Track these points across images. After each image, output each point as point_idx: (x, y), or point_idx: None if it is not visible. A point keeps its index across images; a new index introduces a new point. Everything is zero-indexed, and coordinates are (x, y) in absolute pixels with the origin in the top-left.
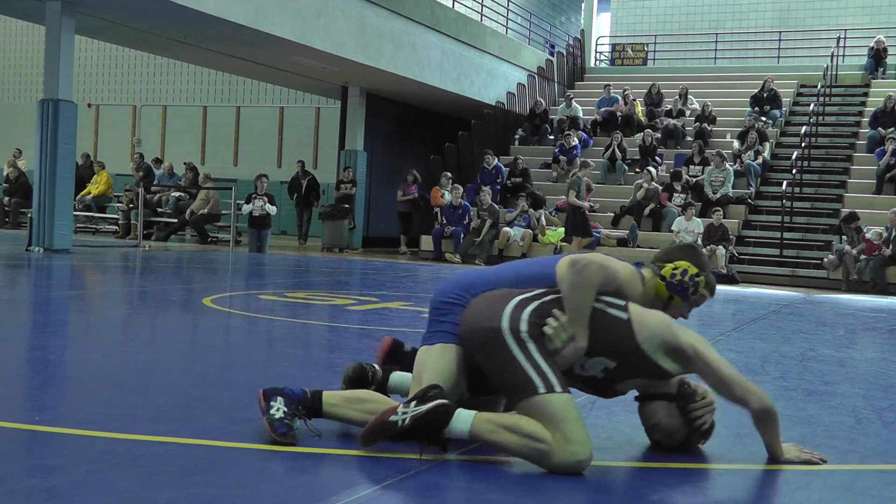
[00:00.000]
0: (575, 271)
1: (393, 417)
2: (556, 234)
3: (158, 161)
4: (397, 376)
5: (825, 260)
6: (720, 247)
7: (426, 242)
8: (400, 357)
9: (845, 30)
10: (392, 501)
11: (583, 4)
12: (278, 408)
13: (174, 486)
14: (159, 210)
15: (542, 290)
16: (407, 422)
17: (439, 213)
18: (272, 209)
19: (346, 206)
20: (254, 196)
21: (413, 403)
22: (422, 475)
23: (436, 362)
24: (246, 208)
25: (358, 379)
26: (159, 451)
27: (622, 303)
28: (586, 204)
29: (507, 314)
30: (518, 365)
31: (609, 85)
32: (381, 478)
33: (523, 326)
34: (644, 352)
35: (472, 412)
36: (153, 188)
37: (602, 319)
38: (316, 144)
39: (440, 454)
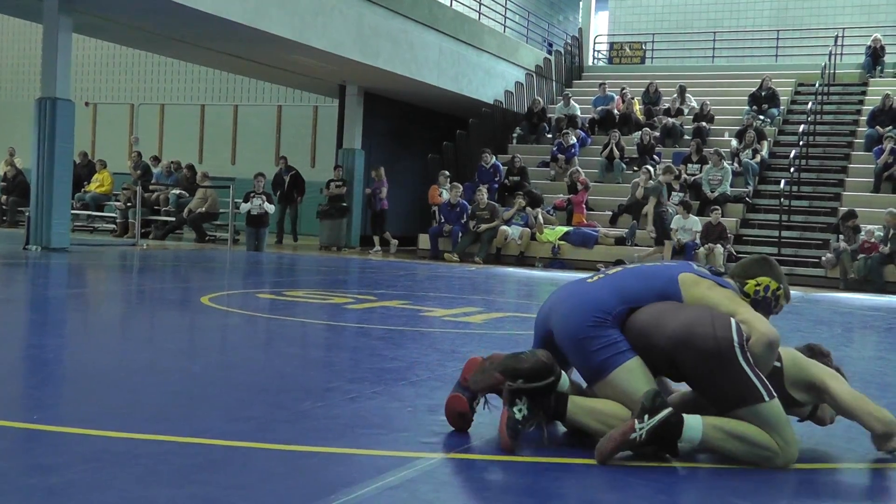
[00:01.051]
0: (769, 350)
1: (632, 435)
2: (554, 232)
3: (156, 160)
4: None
5: (823, 258)
6: (718, 245)
7: (423, 241)
8: None
9: (843, 28)
10: (390, 500)
11: (581, 3)
12: (521, 409)
13: (173, 485)
14: (157, 208)
15: None
16: (644, 437)
17: (437, 212)
18: (270, 208)
19: (344, 204)
20: (252, 195)
21: (646, 417)
22: (420, 473)
23: (636, 380)
24: (244, 207)
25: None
26: (158, 450)
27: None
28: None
29: (735, 330)
30: (746, 376)
31: (604, 84)
32: (380, 476)
33: (745, 340)
34: (785, 390)
35: (699, 418)
36: (151, 187)
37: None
38: (314, 143)
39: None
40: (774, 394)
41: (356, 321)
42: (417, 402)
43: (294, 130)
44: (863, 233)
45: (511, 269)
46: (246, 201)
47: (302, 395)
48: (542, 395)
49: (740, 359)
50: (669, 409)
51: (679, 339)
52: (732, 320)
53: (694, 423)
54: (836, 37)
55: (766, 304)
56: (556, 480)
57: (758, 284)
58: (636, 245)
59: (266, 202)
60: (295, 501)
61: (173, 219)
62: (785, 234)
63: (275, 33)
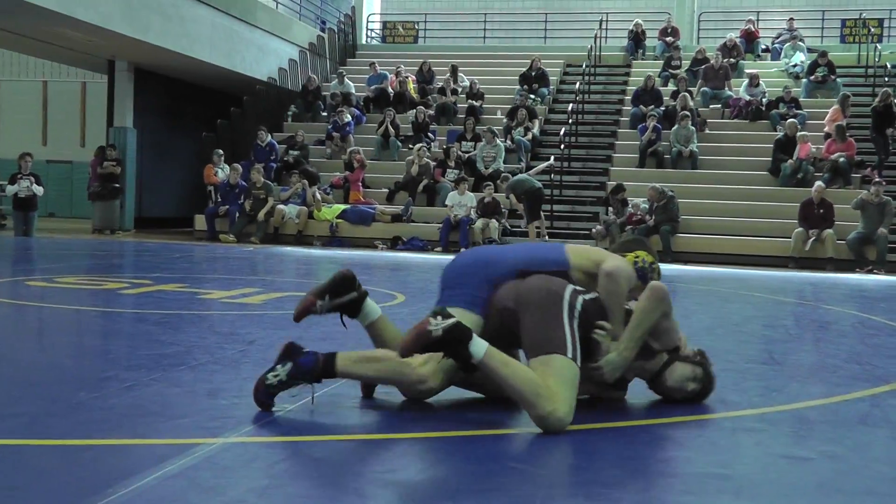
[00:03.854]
0: (610, 280)
1: (429, 327)
2: (332, 210)
3: None
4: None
5: (593, 230)
6: (493, 220)
7: (200, 222)
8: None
9: (607, 13)
10: (170, 489)
11: None
12: (278, 374)
13: None
14: None
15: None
16: (440, 332)
17: (213, 192)
18: (39, 190)
19: (117, 185)
20: (19, 176)
21: (439, 318)
22: (201, 460)
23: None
24: (10, 189)
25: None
26: None
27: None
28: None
29: (569, 291)
30: (561, 325)
31: (375, 63)
32: (159, 465)
33: (578, 305)
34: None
35: (485, 342)
36: None
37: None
38: (83, 121)
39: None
40: (579, 361)
41: (132, 306)
42: (197, 387)
43: (62, 108)
44: (630, 205)
45: (289, 249)
46: (12, 183)
47: (76, 387)
48: (348, 310)
49: (564, 311)
50: (457, 319)
51: (520, 294)
52: (570, 287)
53: (480, 342)
54: (601, 21)
55: (642, 276)
56: (339, 456)
57: (636, 257)
58: (412, 221)
59: (35, 184)
60: (71, 497)
61: None
62: (557, 207)
63: (37, 4)
